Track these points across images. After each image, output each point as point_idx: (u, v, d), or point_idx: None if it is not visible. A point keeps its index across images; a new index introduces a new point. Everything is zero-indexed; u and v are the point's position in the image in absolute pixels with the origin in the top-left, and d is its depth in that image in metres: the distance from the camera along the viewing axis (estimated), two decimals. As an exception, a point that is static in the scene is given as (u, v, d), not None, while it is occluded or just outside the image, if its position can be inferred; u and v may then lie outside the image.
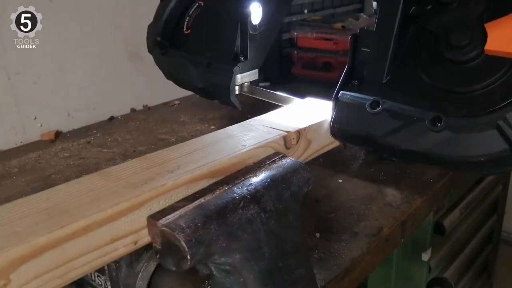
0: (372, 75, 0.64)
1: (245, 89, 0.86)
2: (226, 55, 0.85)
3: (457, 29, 0.59)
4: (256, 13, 0.85)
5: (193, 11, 0.94)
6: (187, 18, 0.94)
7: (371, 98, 0.61)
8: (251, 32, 0.84)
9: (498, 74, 0.56)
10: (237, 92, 0.85)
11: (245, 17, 0.83)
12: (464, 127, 0.55)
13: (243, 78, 0.85)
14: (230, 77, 0.82)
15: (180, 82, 0.97)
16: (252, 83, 0.87)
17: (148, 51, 0.98)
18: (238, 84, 0.84)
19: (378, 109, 0.61)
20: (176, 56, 0.92)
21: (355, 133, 0.64)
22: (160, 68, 0.98)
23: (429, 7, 0.62)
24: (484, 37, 0.56)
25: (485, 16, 0.58)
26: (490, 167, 0.56)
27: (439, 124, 0.56)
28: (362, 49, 0.67)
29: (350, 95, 0.64)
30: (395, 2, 0.62)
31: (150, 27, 0.98)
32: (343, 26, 1.48)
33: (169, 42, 0.95)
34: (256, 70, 0.87)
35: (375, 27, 0.65)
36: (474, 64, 0.58)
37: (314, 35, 1.48)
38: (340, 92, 0.65)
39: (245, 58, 0.84)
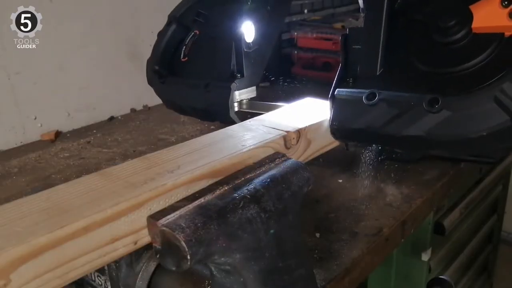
0: (366, 69, 0.65)
1: (244, 106, 0.87)
2: (223, 74, 0.87)
3: (444, 12, 0.61)
4: (249, 32, 0.87)
5: (189, 40, 0.97)
6: (184, 47, 0.97)
7: (367, 91, 0.62)
8: (245, 50, 0.86)
9: (489, 50, 0.57)
10: (236, 109, 0.86)
11: (239, 36, 0.85)
12: (462, 104, 0.55)
13: (241, 95, 0.87)
14: (228, 94, 0.84)
15: (180, 109, 0.99)
16: (251, 99, 0.89)
17: (148, 83, 1.00)
18: (236, 101, 0.86)
19: (374, 100, 0.61)
20: (175, 83, 0.95)
21: (355, 127, 0.64)
22: (160, 97, 1.01)
23: None
24: (470, 17, 0.58)
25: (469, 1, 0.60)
26: (491, 143, 0.55)
27: (436, 105, 0.56)
28: (354, 46, 0.67)
29: (346, 91, 0.65)
30: None
31: (149, 60, 1.00)
32: (343, 26, 1.47)
33: (167, 71, 0.97)
34: (254, 87, 0.89)
35: (363, 24, 0.66)
36: (464, 43, 0.60)
37: (314, 35, 1.48)
38: (336, 90, 0.66)
39: (242, 75, 0.86)
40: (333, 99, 0.66)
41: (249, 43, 0.86)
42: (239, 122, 0.84)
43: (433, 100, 0.56)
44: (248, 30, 0.87)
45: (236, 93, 0.85)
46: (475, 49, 0.58)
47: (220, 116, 0.88)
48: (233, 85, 0.84)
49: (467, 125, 0.54)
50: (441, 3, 0.63)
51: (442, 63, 0.61)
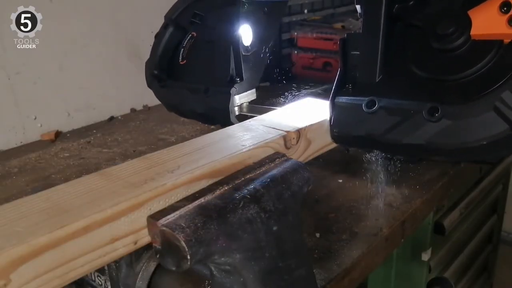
0: (365, 76, 0.65)
1: (245, 109, 0.87)
2: (222, 79, 0.87)
3: (442, 18, 0.60)
4: (246, 35, 0.87)
5: (187, 42, 0.97)
6: (182, 49, 0.97)
7: (367, 98, 0.62)
8: (243, 53, 0.86)
9: (488, 57, 0.57)
10: (237, 113, 0.86)
11: (237, 40, 0.85)
12: (461, 113, 0.55)
13: (241, 98, 0.87)
14: (228, 99, 0.84)
15: (181, 112, 0.99)
16: (251, 103, 0.89)
17: (148, 86, 1.00)
18: (237, 105, 0.86)
19: (374, 108, 0.61)
20: (175, 87, 0.95)
21: (355, 135, 0.64)
22: (160, 100, 1.01)
23: (411, 2, 0.63)
24: (468, 23, 0.57)
25: (467, 4, 0.59)
26: (491, 151, 0.56)
27: (436, 114, 0.56)
28: (352, 52, 0.67)
29: (346, 98, 0.64)
30: (378, 3, 0.63)
31: (147, 63, 1.00)
32: (343, 26, 1.48)
33: (166, 74, 0.98)
34: (254, 90, 0.89)
35: (361, 29, 0.65)
36: (462, 50, 0.59)
37: (314, 35, 1.48)
38: (336, 97, 0.65)
39: (241, 79, 0.86)
40: (333, 106, 0.65)
41: (247, 46, 0.86)
42: None
43: (433, 109, 0.56)
44: (245, 33, 0.86)
45: (236, 97, 0.85)
46: (474, 56, 0.58)
47: (221, 120, 0.89)
48: (233, 90, 0.84)
49: (467, 134, 0.55)
50: (439, 8, 0.62)
51: (441, 70, 0.60)
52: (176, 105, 0.97)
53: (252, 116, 0.85)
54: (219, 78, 0.87)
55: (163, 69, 0.97)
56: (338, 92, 0.66)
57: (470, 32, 0.57)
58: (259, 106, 0.87)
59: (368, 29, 0.65)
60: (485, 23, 0.57)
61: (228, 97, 0.84)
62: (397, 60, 0.64)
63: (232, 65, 0.86)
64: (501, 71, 0.55)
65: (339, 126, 0.65)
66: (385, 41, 0.63)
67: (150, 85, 1.00)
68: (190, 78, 0.93)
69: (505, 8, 0.54)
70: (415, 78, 0.62)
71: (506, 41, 0.56)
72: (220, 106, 0.85)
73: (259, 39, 0.88)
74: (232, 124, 0.85)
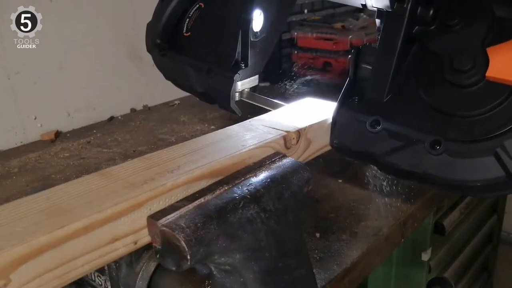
0: (373, 93, 0.64)
1: (245, 95, 0.86)
2: (226, 61, 0.84)
3: (460, 53, 0.59)
4: (257, 20, 0.85)
5: (193, 13, 0.94)
6: (187, 19, 0.93)
7: (371, 117, 0.62)
8: (252, 39, 0.84)
9: (498, 101, 0.56)
10: (237, 99, 0.85)
11: (247, 24, 0.83)
12: (462, 152, 0.55)
13: (244, 84, 0.85)
14: (230, 85, 0.82)
15: (179, 84, 0.97)
16: (252, 88, 0.88)
17: (147, 51, 0.98)
18: (238, 91, 0.85)
19: (378, 128, 0.61)
20: (176, 59, 0.92)
21: (354, 150, 0.64)
22: (159, 68, 0.98)
23: (432, 27, 0.62)
24: (486, 62, 0.57)
25: (488, 40, 0.58)
26: (484, 192, 0.57)
27: (438, 147, 0.56)
28: (363, 65, 0.67)
29: (351, 112, 0.64)
30: (399, 21, 0.62)
31: (149, 25, 0.98)
32: (343, 26, 1.47)
33: (168, 43, 0.95)
34: (256, 76, 0.87)
35: (377, 45, 0.64)
36: (474, 89, 0.58)
37: (314, 35, 1.48)
38: (341, 108, 0.65)
39: (246, 65, 0.84)
40: (337, 117, 0.65)
41: (256, 32, 0.84)
42: (238, 112, 0.84)
43: (435, 142, 0.57)
44: (256, 18, 0.84)
45: (239, 83, 0.83)
46: (485, 97, 0.57)
47: (220, 102, 0.87)
48: (237, 76, 0.82)
49: (464, 173, 0.55)
50: (459, 38, 0.60)
51: (449, 103, 0.59)
52: (175, 78, 0.95)
53: (252, 104, 0.84)
54: (223, 60, 0.85)
55: (166, 39, 0.94)
56: (344, 102, 0.65)
57: (486, 71, 0.56)
58: (259, 95, 0.86)
59: (384, 47, 0.64)
60: (503, 66, 0.56)
61: (231, 82, 0.82)
62: (408, 83, 0.63)
63: (239, 49, 0.83)
64: (509, 117, 0.55)
65: (339, 138, 0.65)
66: (399, 61, 0.63)
67: (149, 51, 0.97)
68: (192, 52, 0.91)
69: None
70: (422, 106, 0.61)
71: None
72: (222, 89, 0.83)
73: (269, 27, 0.86)
74: (231, 109, 0.84)
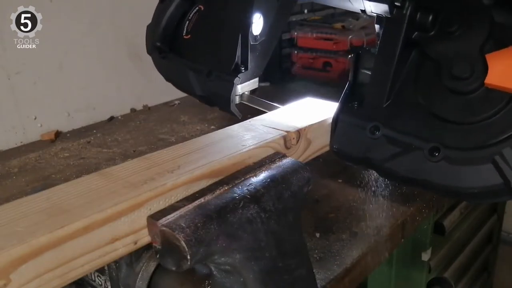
0: (372, 98, 0.64)
1: (245, 98, 0.86)
2: (226, 64, 0.84)
3: (459, 59, 0.59)
4: (257, 24, 0.85)
5: (192, 15, 0.93)
6: (187, 22, 0.93)
7: (371, 123, 0.62)
8: (251, 43, 0.84)
9: (497, 108, 0.56)
10: (237, 102, 0.85)
11: (247, 28, 0.83)
12: (461, 160, 0.56)
13: (244, 88, 0.85)
14: (230, 88, 0.83)
15: (179, 87, 0.97)
16: (252, 92, 0.88)
17: (148, 53, 0.98)
18: (238, 94, 0.85)
19: (377, 134, 0.61)
20: (176, 62, 0.92)
21: (354, 155, 0.64)
22: (159, 71, 0.98)
23: (432, 33, 0.62)
24: (485, 69, 0.56)
25: (487, 46, 0.58)
26: (481, 198, 0.58)
27: (436, 154, 0.57)
28: (363, 70, 0.66)
29: (350, 118, 0.64)
30: (398, 26, 0.62)
31: (149, 28, 0.98)
32: (343, 26, 1.47)
33: (168, 46, 0.95)
34: (256, 79, 0.87)
35: (377, 50, 0.64)
36: (473, 96, 0.58)
37: (314, 35, 1.48)
38: (341, 113, 0.65)
39: (246, 68, 0.84)
40: (336, 122, 0.65)
41: (256, 35, 0.84)
42: (238, 115, 0.84)
43: (434, 149, 0.57)
44: (256, 21, 0.84)
45: (239, 86, 0.84)
46: (483, 104, 0.57)
47: (220, 105, 0.87)
48: (237, 80, 0.82)
49: (462, 180, 0.56)
50: (459, 44, 0.60)
51: (448, 110, 0.59)
52: (175, 80, 0.94)
53: (252, 107, 0.84)
54: (223, 63, 0.85)
55: (166, 42, 0.94)
56: (344, 108, 0.66)
57: (484, 79, 0.56)
58: (259, 98, 0.86)
59: (383, 52, 0.64)
60: (502, 73, 0.56)
61: (231, 86, 0.82)
62: (407, 89, 0.63)
63: (239, 52, 0.83)
64: (507, 125, 0.55)
65: (339, 143, 0.65)
66: (398, 67, 0.62)
67: (149, 53, 0.97)
68: (192, 55, 0.91)
69: None
70: (421, 112, 0.61)
71: None
72: (222, 93, 0.84)
73: (268, 30, 0.86)
74: (231, 111, 0.84)
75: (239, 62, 0.84)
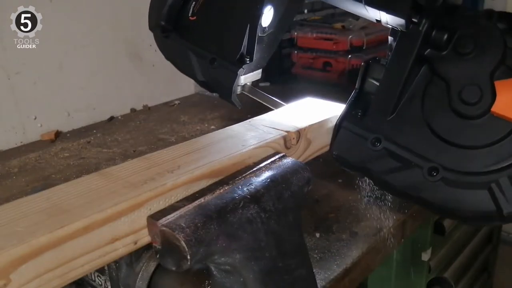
0: (377, 110, 0.64)
1: (246, 89, 0.86)
2: (231, 54, 0.82)
3: (468, 83, 0.59)
4: (267, 15, 0.83)
5: None
6: (194, 2, 0.89)
7: (373, 135, 0.62)
8: (259, 34, 0.82)
9: (499, 136, 0.56)
10: (238, 92, 0.85)
11: (256, 19, 0.81)
12: (458, 183, 0.57)
13: (246, 78, 0.84)
14: (234, 79, 0.81)
15: (179, 68, 0.94)
16: (253, 83, 0.87)
17: (149, 29, 0.94)
18: (240, 84, 0.84)
19: (378, 146, 0.62)
20: (179, 43, 0.89)
21: (353, 163, 0.65)
22: (159, 48, 0.93)
23: (444, 52, 0.61)
24: (493, 95, 0.57)
25: (497, 72, 0.58)
26: (474, 221, 0.59)
27: (435, 174, 0.58)
28: (370, 80, 0.66)
29: (353, 126, 0.64)
30: (412, 42, 0.61)
31: (154, 3, 0.94)
32: (343, 26, 1.47)
33: (172, 25, 0.91)
34: (260, 71, 0.86)
35: (387, 63, 0.64)
36: (478, 121, 0.58)
37: (314, 35, 1.48)
38: (344, 121, 0.65)
39: (251, 59, 0.82)
40: (339, 128, 0.65)
41: (264, 27, 0.83)
42: (239, 105, 0.84)
43: (433, 169, 0.58)
44: (266, 13, 0.83)
45: (242, 77, 0.83)
46: (487, 131, 0.57)
47: (220, 94, 0.86)
48: (241, 71, 0.81)
49: (457, 203, 0.57)
50: (470, 68, 0.59)
51: (451, 132, 0.59)
52: (176, 61, 0.92)
53: (252, 104, 0.83)
54: (228, 51, 0.83)
55: (170, 21, 0.91)
56: (348, 114, 0.65)
57: (491, 105, 0.56)
58: (260, 91, 0.86)
59: (394, 66, 0.63)
60: (508, 103, 0.56)
61: (234, 76, 0.81)
62: (413, 104, 0.63)
63: (245, 43, 0.81)
64: (507, 154, 0.55)
65: (339, 150, 0.65)
66: (406, 82, 0.62)
67: (151, 29, 0.94)
68: (196, 38, 0.88)
69: None
70: (424, 130, 0.61)
71: None
72: (224, 82, 0.82)
73: (277, 22, 0.85)
74: (231, 101, 0.84)
75: (245, 53, 0.82)
